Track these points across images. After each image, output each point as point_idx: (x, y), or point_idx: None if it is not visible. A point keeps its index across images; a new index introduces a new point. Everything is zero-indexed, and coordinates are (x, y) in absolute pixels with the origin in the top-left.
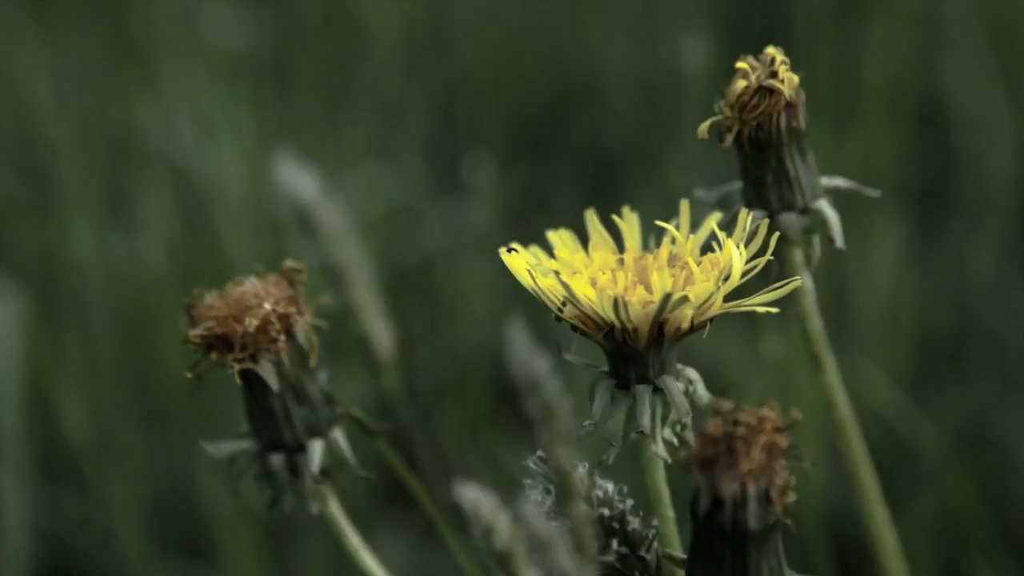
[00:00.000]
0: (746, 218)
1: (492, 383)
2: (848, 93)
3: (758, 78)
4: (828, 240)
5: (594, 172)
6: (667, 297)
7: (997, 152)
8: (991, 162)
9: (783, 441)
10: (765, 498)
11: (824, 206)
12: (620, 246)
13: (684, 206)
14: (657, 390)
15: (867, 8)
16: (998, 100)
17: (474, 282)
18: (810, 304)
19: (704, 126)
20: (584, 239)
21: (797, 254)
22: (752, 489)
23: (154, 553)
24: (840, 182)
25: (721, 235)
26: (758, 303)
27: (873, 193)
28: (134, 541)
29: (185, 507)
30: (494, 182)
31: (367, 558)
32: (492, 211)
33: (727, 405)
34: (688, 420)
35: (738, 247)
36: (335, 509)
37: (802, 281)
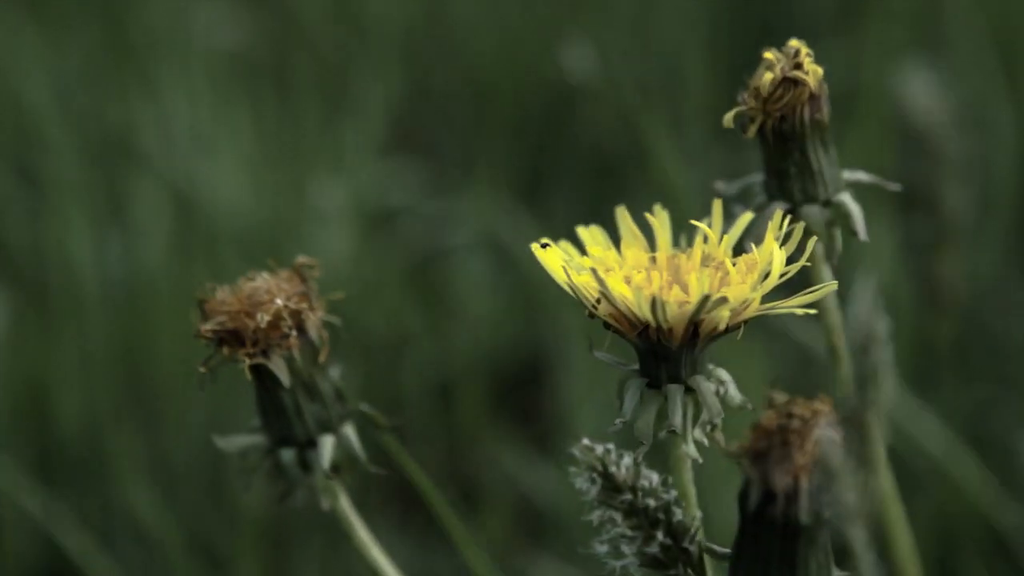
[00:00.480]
0: (781, 218)
1: (492, 383)
2: (847, 93)
3: (783, 69)
4: (851, 233)
5: (594, 172)
6: (705, 298)
7: (998, 152)
8: (992, 162)
9: (838, 435)
10: (817, 493)
11: (847, 199)
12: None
13: (717, 205)
14: (688, 390)
15: (866, 7)
16: (999, 100)
17: (474, 282)
18: (830, 298)
19: (728, 116)
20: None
21: (818, 248)
22: (805, 483)
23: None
24: (862, 176)
25: (770, 236)
26: (796, 305)
27: (894, 187)
28: (133, 541)
29: (182, 508)
30: (494, 181)
31: (377, 554)
32: (492, 211)
33: (781, 397)
34: (719, 421)
35: (777, 246)
36: (345, 504)
37: (825, 276)
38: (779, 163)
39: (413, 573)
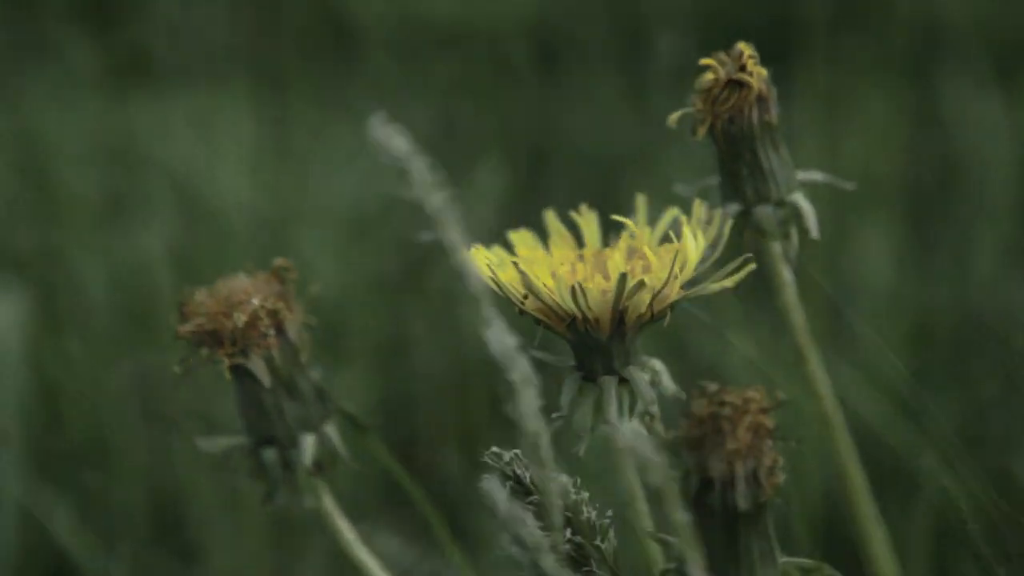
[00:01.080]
0: (700, 207)
1: (491, 383)
2: (848, 95)
3: (727, 72)
4: (804, 232)
5: (592, 170)
6: (623, 280)
7: (996, 152)
8: (990, 163)
9: (769, 421)
10: (754, 478)
11: (799, 198)
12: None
13: (640, 200)
14: (623, 381)
15: (866, 9)
16: (994, 102)
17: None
18: (791, 297)
19: (674, 116)
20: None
21: (775, 247)
22: (740, 469)
23: (153, 554)
24: (817, 176)
25: (689, 224)
26: (714, 287)
27: (848, 186)
28: (134, 542)
29: (184, 508)
30: (492, 180)
31: (363, 553)
32: (490, 210)
33: (712, 387)
34: (655, 410)
35: (694, 235)
36: (329, 504)
37: (784, 275)
38: (731, 164)
39: (402, 571)
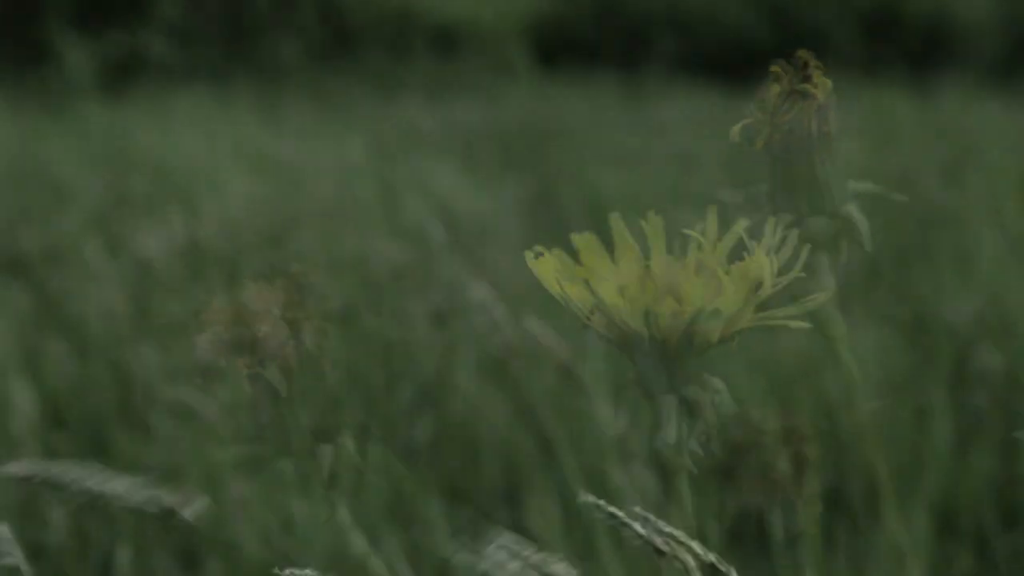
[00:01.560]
0: (775, 226)
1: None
2: (849, 94)
3: (791, 81)
4: (857, 244)
5: (591, 168)
6: (698, 312)
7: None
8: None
9: (811, 452)
10: (791, 507)
11: (853, 211)
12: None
13: (711, 211)
14: (683, 400)
15: (867, 10)
16: (994, 102)
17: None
18: (833, 308)
19: (735, 128)
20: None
21: (824, 259)
22: (778, 498)
23: (152, 557)
24: (870, 186)
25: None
26: (789, 316)
27: (900, 199)
28: (132, 542)
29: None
30: (497, 180)
31: (377, 562)
32: (497, 209)
33: (755, 415)
34: (713, 431)
35: (768, 256)
36: (344, 514)
37: (830, 286)
38: (786, 174)
39: None
